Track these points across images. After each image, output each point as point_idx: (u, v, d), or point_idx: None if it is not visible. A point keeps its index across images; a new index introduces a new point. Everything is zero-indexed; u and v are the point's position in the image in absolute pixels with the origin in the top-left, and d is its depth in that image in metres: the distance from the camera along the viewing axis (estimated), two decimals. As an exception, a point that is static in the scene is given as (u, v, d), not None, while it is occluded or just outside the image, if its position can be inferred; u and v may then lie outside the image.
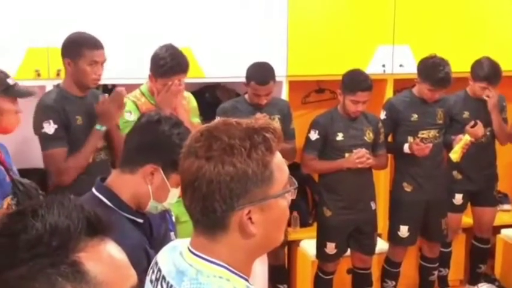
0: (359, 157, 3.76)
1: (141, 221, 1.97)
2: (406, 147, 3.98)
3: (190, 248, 1.25)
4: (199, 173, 1.17)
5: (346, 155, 3.82)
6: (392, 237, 4.21)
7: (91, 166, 3.17)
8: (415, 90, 4.07)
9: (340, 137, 3.83)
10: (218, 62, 4.04)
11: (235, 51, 4.05)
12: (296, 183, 1.27)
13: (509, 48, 4.59)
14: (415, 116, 4.02)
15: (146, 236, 1.99)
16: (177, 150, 1.94)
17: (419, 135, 4.01)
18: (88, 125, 3.19)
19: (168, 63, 3.23)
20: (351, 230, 3.96)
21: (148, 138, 1.98)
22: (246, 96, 3.85)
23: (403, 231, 4.13)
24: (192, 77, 3.70)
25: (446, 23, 4.50)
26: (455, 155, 3.98)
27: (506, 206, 5.06)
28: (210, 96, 4.43)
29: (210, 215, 1.19)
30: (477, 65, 4.21)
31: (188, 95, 3.60)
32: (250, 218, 1.19)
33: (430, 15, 4.47)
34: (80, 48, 3.12)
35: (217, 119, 1.28)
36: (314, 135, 3.88)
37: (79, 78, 3.17)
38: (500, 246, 4.80)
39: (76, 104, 3.20)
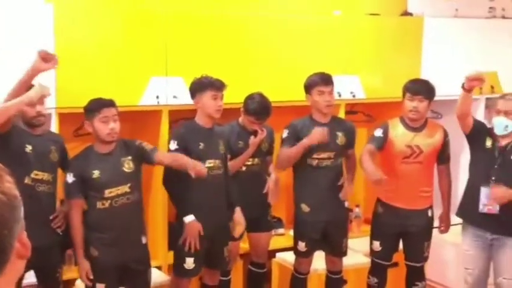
0: None
1: None
2: None
3: None
4: None
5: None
6: (178, 268, 4.17)
7: None
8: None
9: (96, 174, 3.74)
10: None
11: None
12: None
13: (280, 81, 4.84)
14: (202, 145, 4.06)
15: None
16: None
17: (206, 165, 4.04)
18: None
19: None
20: (122, 268, 3.83)
21: None
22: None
23: (189, 263, 4.10)
24: None
25: (219, 56, 4.63)
26: None
27: (280, 230, 5.27)
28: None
29: None
30: (249, 100, 4.37)
31: None
32: None
33: (202, 48, 4.57)
34: None
35: None
36: (71, 178, 3.77)
37: None
38: (276, 270, 4.99)
39: None
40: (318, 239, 4.47)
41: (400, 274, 4.67)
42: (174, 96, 4.44)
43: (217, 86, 4.03)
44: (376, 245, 4.50)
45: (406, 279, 4.64)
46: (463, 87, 4.07)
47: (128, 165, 3.78)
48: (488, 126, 4.35)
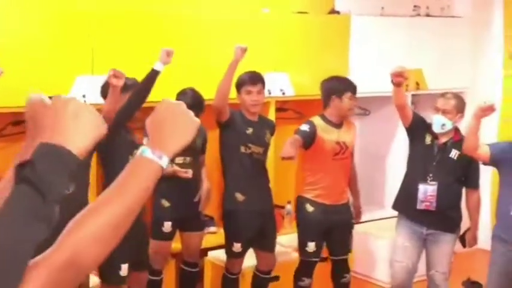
0: None
1: None
2: None
3: None
4: None
5: None
6: (112, 277, 4.03)
7: None
8: None
9: None
10: None
11: None
12: None
13: (209, 79, 4.79)
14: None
15: None
16: None
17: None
18: None
19: None
20: None
21: None
22: None
23: (124, 269, 3.99)
24: None
25: (147, 53, 4.56)
26: None
27: (212, 229, 5.25)
28: None
29: None
30: (181, 95, 4.34)
31: None
32: None
33: (129, 45, 4.52)
34: None
35: None
36: None
37: None
38: (209, 268, 4.97)
39: None
40: (252, 237, 4.46)
41: (326, 269, 4.72)
42: (102, 95, 4.36)
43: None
44: (312, 246, 4.47)
45: (333, 274, 4.70)
46: (392, 82, 4.17)
47: None
48: (429, 121, 4.43)
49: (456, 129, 4.33)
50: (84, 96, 4.32)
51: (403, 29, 5.86)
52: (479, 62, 6.33)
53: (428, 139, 4.32)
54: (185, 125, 1.29)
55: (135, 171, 1.22)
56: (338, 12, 5.69)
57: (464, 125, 4.30)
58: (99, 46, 4.38)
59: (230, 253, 4.51)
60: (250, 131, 4.40)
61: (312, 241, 4.46)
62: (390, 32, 5.77)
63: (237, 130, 4.36)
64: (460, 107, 4.28)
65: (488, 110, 3.84)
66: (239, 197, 4.43)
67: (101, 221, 1.15)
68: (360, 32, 5.57)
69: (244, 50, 4.21)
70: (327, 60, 5.40)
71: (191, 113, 1.31)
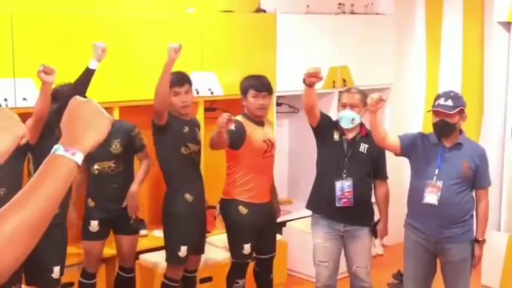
0: None
1: None
2: None
3: None
4: None
5: None
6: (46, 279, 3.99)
7: None
8: None
9: None
10: None
11: None
12: None
13: (136, 79, 4.77)
14: None
15: None
16: None
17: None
18: None
19: None
20: None
21: None
22: None
23: (56, 271, 3.96)
24: None
25: (70, 55, 4.46)
26: None
27: (143, 232, 5.16)
28: None
29: None
30: None
31: None
32: None
33: (51, 47, 4.40)
34: None
35: None
36: None
37: None
38: (140, 272, 4.87)
39: None
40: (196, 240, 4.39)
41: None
42: (24, 99, 4.25)
43: None
44: (247, 248, 4.43)
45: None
46: (304, 82, 4.15)
47: None
48: (334, 119, 4.47)
49: (362, 124, 4.39)
50: (6, 99, 4.19)
51: (328, 26, 5.94)
52: (403, 58, 6.48)
53: (336, 136, 4.34)
54: (97, 121, 1.29)
55: (49, 170, 1.21)
56: (264, 11, 5.72)
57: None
58: (20, 47, 4.25)
59: (175, 259, 4.36)
60: (186, 130, 4.33)
61: (248, 243, 4.42)
62: (316, 29, 5.83)
63: (174, 131, 4.26)
64: (364, 100, 4.27)
65: (378, 103, 3.90)
66: (189, 197, 4.33)
67: (16, 222, 1.13)
68: (286, 30, 5.61)
69: (177, 50, 4.06)
70: (254, 59, 5.41)
71: (103, 109, 1.31)
